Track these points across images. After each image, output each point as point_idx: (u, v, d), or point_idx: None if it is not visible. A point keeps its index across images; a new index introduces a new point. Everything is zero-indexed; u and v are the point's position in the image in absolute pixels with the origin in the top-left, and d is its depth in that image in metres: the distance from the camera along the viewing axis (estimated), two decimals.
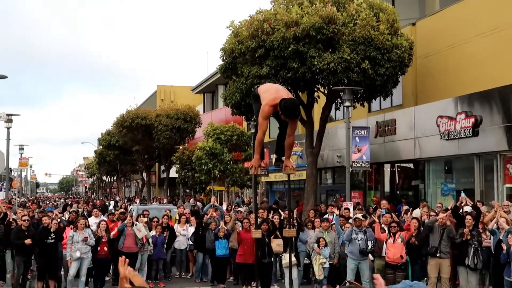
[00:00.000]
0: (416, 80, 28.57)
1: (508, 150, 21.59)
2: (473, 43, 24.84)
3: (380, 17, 24.79)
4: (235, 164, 39.06)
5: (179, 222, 22.56)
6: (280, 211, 21.76)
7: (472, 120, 22.60)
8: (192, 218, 22.81)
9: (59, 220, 20.08)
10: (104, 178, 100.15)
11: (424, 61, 27.91)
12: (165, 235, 21.10)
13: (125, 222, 19.71)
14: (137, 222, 19.84)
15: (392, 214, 18.89)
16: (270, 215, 20.44)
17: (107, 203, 50.65)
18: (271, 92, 10.96)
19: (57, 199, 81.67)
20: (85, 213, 24.71)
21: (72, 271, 17.90)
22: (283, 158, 11.91)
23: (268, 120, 11.20)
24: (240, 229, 19.67)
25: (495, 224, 16.71)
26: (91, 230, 18.67)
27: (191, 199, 45.56)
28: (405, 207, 20.75)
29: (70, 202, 48.30)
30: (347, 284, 13.22)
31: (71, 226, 18.92)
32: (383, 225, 17.58)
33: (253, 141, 12.16)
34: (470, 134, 22.66)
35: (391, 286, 3.65)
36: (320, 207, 26.39)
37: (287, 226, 13.00)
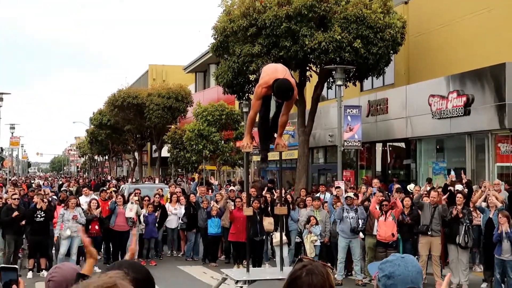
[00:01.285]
0: (408, 59, 28.53)
1: (500, 129, 21.62)
2: (465, 21, 24.79)
3: None
4: (225, 143, 38.99)
5: (170, 201, 22.54)
6: (273, 190, 21.74)
7: (464, 99, 22.59)
8: (183, 198, 22.80)
9: (50, 199, 20.06)
10: (96, 157, 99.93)
11: (416, 39, 27.85)
12: (156, 214, 21.07)
13: (116, 200, 19.71)
14: (132, 202, 19.84)
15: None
16: (264, 192, 20.38)
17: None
18: (267, 73, 10.86)
19: (49, 178, 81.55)
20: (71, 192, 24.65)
21: (63, 249, 17.89)
22: (275, 135, 11.86)
23: (261, 100, 11.10)
24: (233, 207, 19.68)
25: (484, 202, 16.80)
26: (82, 209, 18.65)
27: (182, 177, 45.61)
28: (396, 186, 20.77)
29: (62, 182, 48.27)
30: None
31: (62, 204, 18.90)
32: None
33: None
34: (461, 113, 22.66)
35: (383, 260, 3.64)
36: (317, 188, 26.29)
37: (279, 204, 12.98)
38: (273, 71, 10.86)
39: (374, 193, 18.77)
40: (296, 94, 11.06)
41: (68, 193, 25.56)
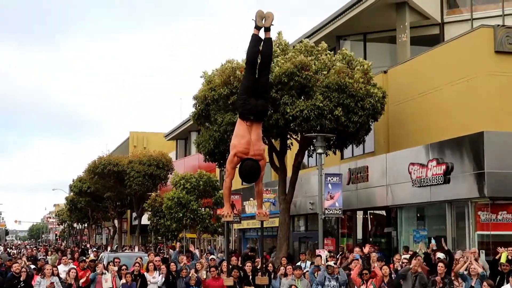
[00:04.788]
0: (387, 127, 28.73)
1: (479, 197, 21.69)
2: (443, 91, 25.11)
3: (354, 66, 25.04)
4: (204, 210, 38.80)
5: (147, 270, 22.21)
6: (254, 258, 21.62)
7: (443, 167, 22.71)
8: (163, 266, 22.49)
9: (27, 268, 19.76)
10: (75, 225, 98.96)
11: (396, 108, 28.12)
12: (136, 283, 20.73)
13: (97, 271, 19.47)
14: (106, 272, 19.54)
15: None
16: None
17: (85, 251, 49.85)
18: (241, 143, 10.66)
19: (27, 246, 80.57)
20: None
21: None
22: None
23: (236, 168, 10.99)
24: (205, 277, 19.54)
25: (465, 271, 16.72)
26: (60, 278, 18.38)
27: (163, 246, 45.07)
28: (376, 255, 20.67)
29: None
30: None
31: (40, 273, 18.63)
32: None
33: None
34: (441, 181, 22.74)
35: None
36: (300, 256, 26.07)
37: (260, 274, 12.86)
38: (247, 141, 10.64)
39: (356, 259, 18.74)
40: (264, 165, 10.97)
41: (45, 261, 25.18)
